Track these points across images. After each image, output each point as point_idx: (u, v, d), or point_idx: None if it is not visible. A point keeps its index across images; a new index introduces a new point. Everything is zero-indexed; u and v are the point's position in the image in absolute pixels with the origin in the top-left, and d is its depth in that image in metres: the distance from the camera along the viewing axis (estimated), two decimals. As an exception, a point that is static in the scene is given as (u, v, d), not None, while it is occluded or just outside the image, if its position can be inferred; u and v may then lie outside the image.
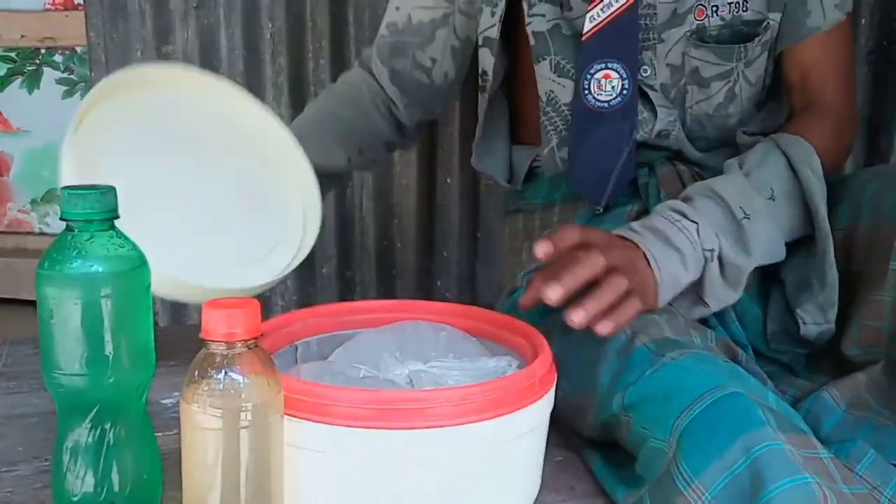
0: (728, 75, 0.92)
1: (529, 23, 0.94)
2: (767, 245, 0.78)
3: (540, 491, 0.67)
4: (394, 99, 1.10)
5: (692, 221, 0.76)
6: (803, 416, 0.72)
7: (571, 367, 0.75)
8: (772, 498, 0.54)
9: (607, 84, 0.90)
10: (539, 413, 0.63)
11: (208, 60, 1.61)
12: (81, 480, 0.58)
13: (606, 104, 0.90)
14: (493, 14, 0.96)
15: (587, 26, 0.89)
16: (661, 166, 0.95)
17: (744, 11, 0.90)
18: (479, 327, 0.77)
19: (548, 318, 0.82)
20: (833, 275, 0.79)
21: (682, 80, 0.92)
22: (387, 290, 1.67)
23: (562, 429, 0.79)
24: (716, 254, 0.77)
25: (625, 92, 0.89)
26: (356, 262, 1.68)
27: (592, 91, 0.90)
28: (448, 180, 1.57)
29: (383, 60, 1.08)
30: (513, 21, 0.98)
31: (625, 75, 0.89)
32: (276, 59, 1.59)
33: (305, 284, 1.68)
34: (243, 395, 0.53)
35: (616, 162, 0.91)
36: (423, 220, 1.62)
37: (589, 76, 0.90)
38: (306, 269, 1.67)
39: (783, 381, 0.81)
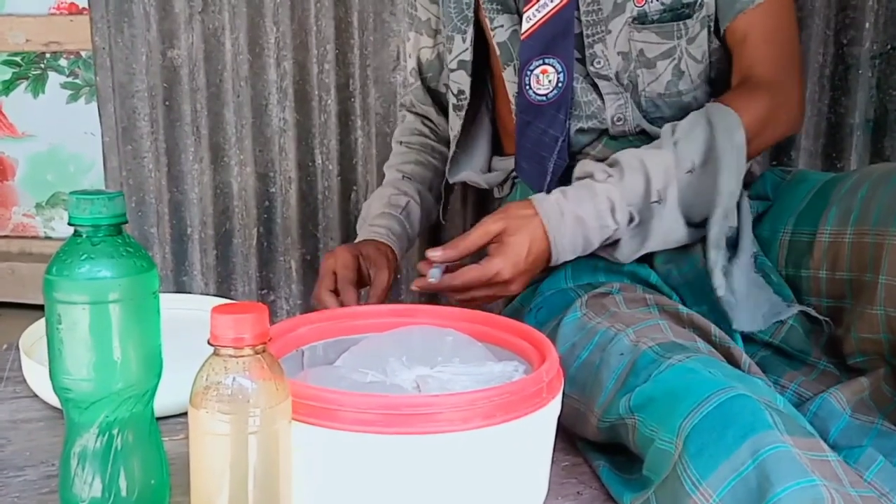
0: (671, 53, 0.93)
1: (493, 36, 0.99)
2: (665, 230, 0.86)
3: (546, 496, 0.67)
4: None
5: (615, 221, 0.85)
6: (809, 419, 0.72)
7: (571, 371, 0.75)
8: (779, 500, 0.54)
9: (545, 78, 0.95)
10: (546, 418, 0.63)
11: (213, 65, 1.61)
12: (89, 485, 0.58)
13: (544, 97, 0.95)
14: (464, 40, 1.02)
15: (524, 26, 0.94)
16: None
17: None
18: (485, 332, 0.77)
19: (544, 326, 0.82)
20: (716, 243, 0.84)
21: (631, 65, 0.94)
22: (391, 294, 1.67)
23: (568, 434, 0.79)
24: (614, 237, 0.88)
25: (560, 85, 0.94)
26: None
27: (532, 86, 0.95)
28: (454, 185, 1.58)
29: (424, 102, 1.17)
30: (483, 42, 1.04)
31: (560, 69, 0.94)
32: (281, 64, 1.59)
33: (310, 288, 1.68)
34: (251, 401, 0.53)
35: (552, 150, 0.96)
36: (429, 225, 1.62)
37: (529, 72, 0.95)
38: (311, 274, 1.67)
39: (784, 376, 0.81)
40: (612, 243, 0.88)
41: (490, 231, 0.86)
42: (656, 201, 0.85)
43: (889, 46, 1.37)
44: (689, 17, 0.92)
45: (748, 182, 0.98)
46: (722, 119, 0.85)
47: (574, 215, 0.85)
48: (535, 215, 0.85)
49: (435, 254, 0.86)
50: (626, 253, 0.88)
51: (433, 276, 0.86)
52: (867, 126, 1.41)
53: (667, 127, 0.88)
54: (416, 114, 1.21)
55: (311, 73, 1.59)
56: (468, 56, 1.03)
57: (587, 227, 0.85)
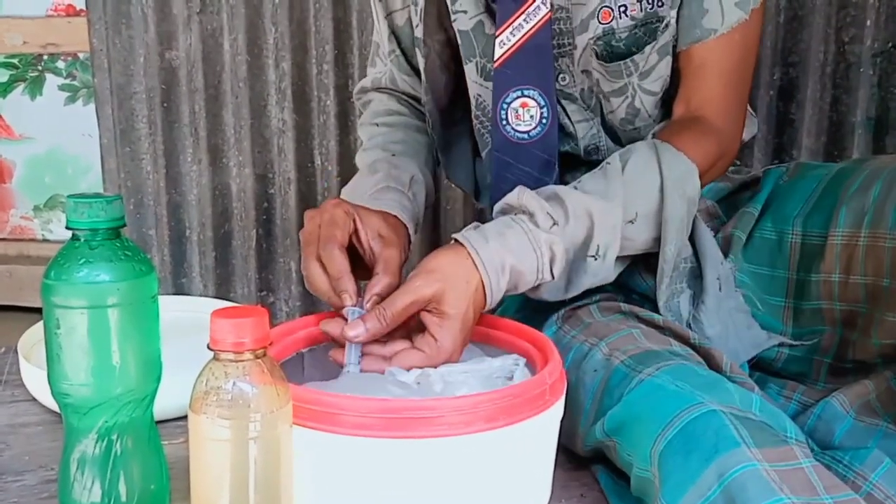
0: (623, 91, 0.85)
1: (455, 20, 0.88)
2: (592, 282, 0.77)
3: (550, 499, 0.67)
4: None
5: (552, 273, 0.73)
6: (813, 422, 0.72)
7: None
8: None
9: (525, 113, 0.83)
10: (549, 421, 0.62)
11: (211, 66, 1.61)
12: (88, 491, 0.58)
13: (526, 135, 0.84)
14: (416, 14, 0.89)
15: (497, 52, 0.82)
16: None
17: (659, 6, 0.81)
18: (485, 332, 0.76)
19: None
20: (667, 306, 0.80)
21: (594, 87, 0.86)
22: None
23: (571, 436, 0.78)
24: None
25: (544, 121, 0.83)
26: (360, 268, 1.67)
27: (510, 121, 0.84)
28: (452, 184, 1.57)
29: (408, 73, 1.00)
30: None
31: (543, 103, 0.83)
32: (280, 64, 1.59)
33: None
34: (252, 406, 0.52)
35: None
36: (427, 224, 1.62)
37: (505, 105, 0.83)
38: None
39: (786, 388, 0.80)
40: (535, 287, 0.76)
41: (424, 297, 0.68)
42: (593, 256, 0.75)
43: (890, 44, 1.37)
44: (641, 49, 0.82)
45: (746, 183, 0.93)
46: (676, 167, 0.76)
47: (515, 270, 0.72)
48: (475, 270, 0.70)
49: (357, 332, 0.67)
50: (548, 296, 0.78)
51: (356, 337, 0.68)
52: (869, 124, 1.41)
53: (616, 160, 0.77)
54: (391, 91, 1.02)
55: (310, 73, 1.59)
56: (419, 33, 0.90)
57: (523, 280, 0.73)
